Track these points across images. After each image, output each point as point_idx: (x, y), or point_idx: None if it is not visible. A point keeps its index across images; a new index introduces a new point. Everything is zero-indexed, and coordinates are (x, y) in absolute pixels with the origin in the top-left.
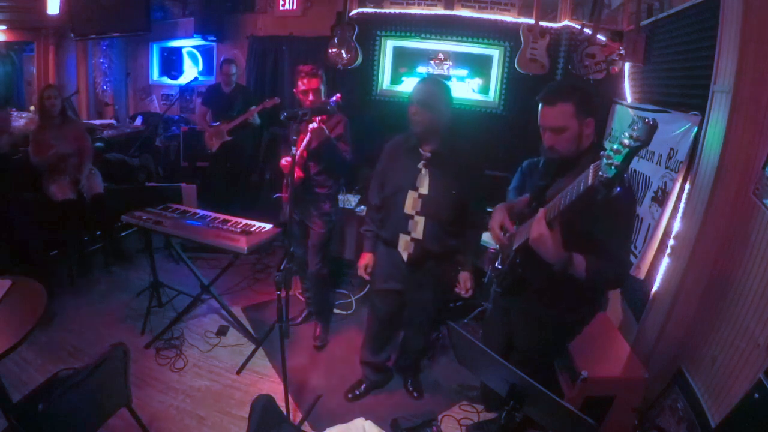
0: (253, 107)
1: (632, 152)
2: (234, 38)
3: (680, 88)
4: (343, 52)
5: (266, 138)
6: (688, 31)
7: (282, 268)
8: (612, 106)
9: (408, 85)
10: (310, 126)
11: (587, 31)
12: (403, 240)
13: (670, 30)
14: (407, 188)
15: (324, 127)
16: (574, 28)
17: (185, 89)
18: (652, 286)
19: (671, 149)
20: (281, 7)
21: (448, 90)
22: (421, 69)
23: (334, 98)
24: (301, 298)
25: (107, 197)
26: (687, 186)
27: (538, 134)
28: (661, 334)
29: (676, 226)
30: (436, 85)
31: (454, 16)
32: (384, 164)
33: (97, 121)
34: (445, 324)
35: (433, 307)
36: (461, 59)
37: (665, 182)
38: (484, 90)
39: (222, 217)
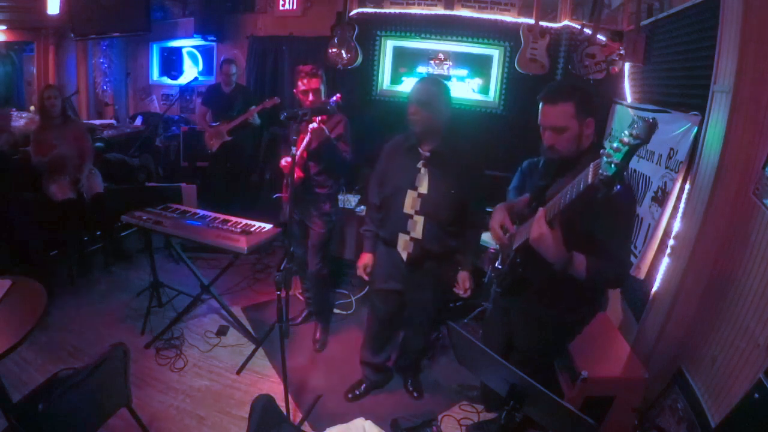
0: (253, 107)
1: (632, 150)
2: (234, 38)
3: (680, 88)
4: (343, 52)
5: (266, 138)
6: (688, 31)
7: (282, 268)
8: (612, 106)
9: (408, 85)
10: (310, 126)
11: (587, 31)
12: (403, 239)
13: (670, 30)
14: (406, 188)
15: (324, 127)
16: (574, 28)
17: (185, 89)
18: (652, 286)
19: (671, 149)
20: (281, 7)
21: (446, 89)
22: (421, 69)
23: (334, 98)
24: (301, 298)
25: (107, 197)
26: (687, 186)
27: (538, 134)
28: (661, 334)
29: (676, 226)
30: (434, 85)
31: (454, 16)
32: (383, 164)
33: (97, 121)
34: (445, 324)
35: (433, 307)
36: (461, 59)
37: (665, 182)
38: (484, 90)
39: (222, 217)
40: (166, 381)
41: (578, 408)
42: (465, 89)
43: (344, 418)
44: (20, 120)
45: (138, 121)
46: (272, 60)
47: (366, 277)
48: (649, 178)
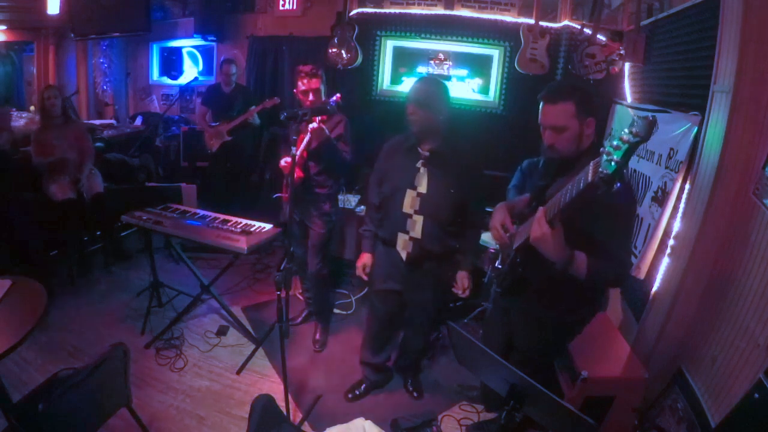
0: (253, 107)
1: (632, 148)
2: (234, 38)
3: (680, 88)
4: (343, 52)
5: (266, 138)
6: (688, 31)
7: (282, 268)
8: (612, 106)
9: (408, 85)
10: (310, 126)
11: (587, 31)
12: (402, 239)
13: (670, 30)
14: (405, 187)
15: (324, 127)
16: (574, 28)
17: (185, 89)
18: (652, 286)
19: (671, 149)
20: (281, 7)
21: (445, 89)
22: (421, 69)
23: (334, 98)
24: (301, 298)
25: (107, 197)
26: (687, 186)
27: (538, 134)
28: (661, 334)
29: (676, 226)
30: (432, 85)
31: (454, 16)
32: (383, 163)
33: (97, 121)
34: (445, 324)
35: (433, 307)
36: (461, 59)
37: (665, 182)
38: (484, 90)
39: (222, 217)
40: (166, 381)
41: (578, 408)
42: (465, 89)
43: (344, 418)
44: (20, 120)
45: (138, 121)
46: (272, 60)
47: (365, 278)
48: (649, 178)
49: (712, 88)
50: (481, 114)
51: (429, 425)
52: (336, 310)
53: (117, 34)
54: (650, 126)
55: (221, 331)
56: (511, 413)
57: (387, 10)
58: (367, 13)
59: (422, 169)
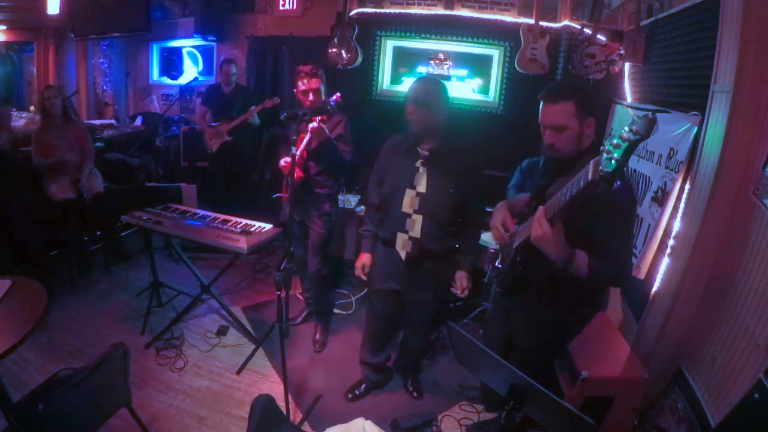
0: (253, 107)
1: (632, 146)
2: (234, 38)
3: (680, 88)
4: (343, 52)
5: (266, 138)
6: (688, 31)
7: (282, 268)
8: (612, 106)
9: (408, 85)
10: (310, 126)
11: (587, 31)
12: (401, 239)
13: (670, 30)
14: (405, 187)
15: (324, 127)
16: (574, 28)
17: (185, 89)
18: (652, 286)
19: (671, 149)
20: (281, 7)
21: (444, 88)
22: (421, 69)
23: (334, 98)
24: (301, 298)
25: (107, 197)
26: (687, 186)
27: (538, 134)
28: (661, 334)
29: (676, 226)
30: (431, 84)
31: (454, 16)
32: (382, 163)
33: (97, 121)
34: (445, 324)
35: (433, 307)
36: (461, 59)
37: (665, 182)
38: (484, 90)
39: (222, 217)
40: (166, 381)
41: (578, 408)
42: (465, 89)
43: (344, 418)
44: (20, 120)
45: (138, 121)
46: (272, 60)
47: (364, 278)
48: (649, 178)
49: (712, 88)
50: (481, 114)
51: (429, 425)
52: (336, 310)
53: (117, 34)
54: (650, 123)
55: (221, 331)
56: (511, 413)
57: (387, 10)
58: (367, 13)
59: (421, 169)
